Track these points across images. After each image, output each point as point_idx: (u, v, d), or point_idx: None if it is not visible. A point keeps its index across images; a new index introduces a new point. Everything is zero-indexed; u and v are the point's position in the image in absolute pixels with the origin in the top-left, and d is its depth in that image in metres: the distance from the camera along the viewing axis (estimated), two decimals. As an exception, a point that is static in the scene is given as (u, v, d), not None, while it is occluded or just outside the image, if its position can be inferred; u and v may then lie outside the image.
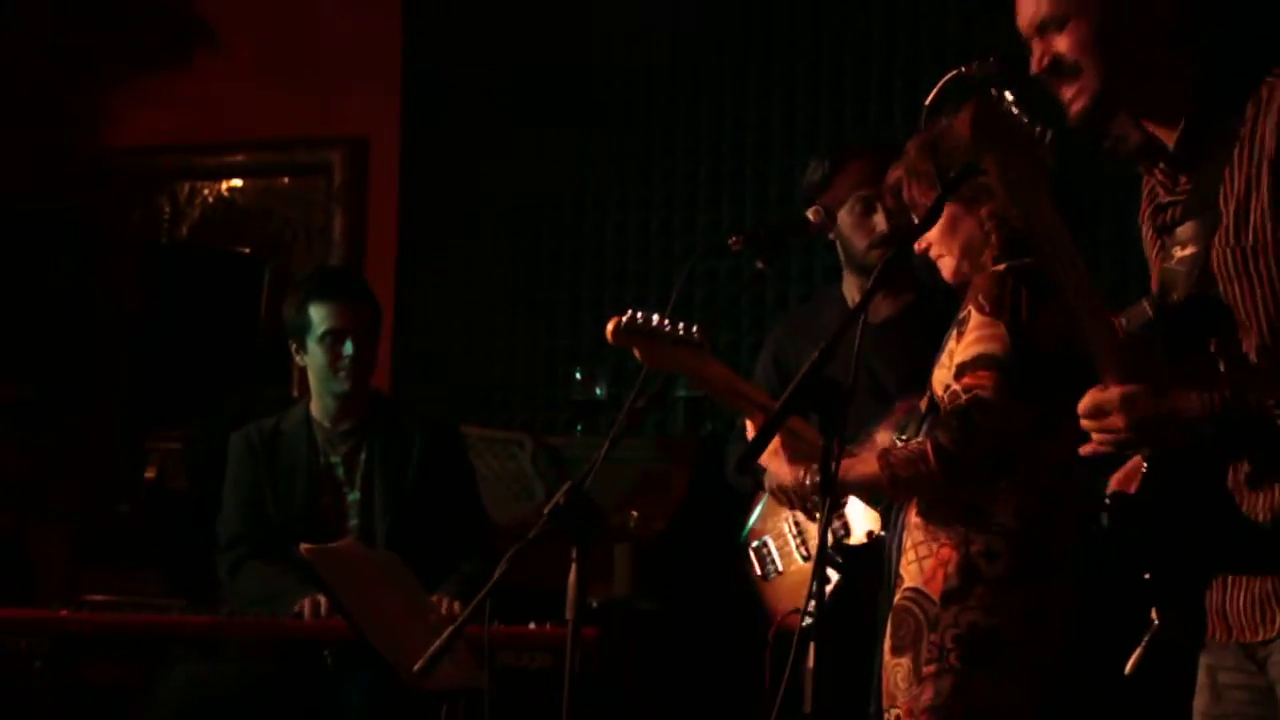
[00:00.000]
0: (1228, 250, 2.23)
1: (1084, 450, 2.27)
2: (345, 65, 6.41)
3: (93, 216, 6.48)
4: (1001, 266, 3.08)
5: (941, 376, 3.07)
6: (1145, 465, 2.26)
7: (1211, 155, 2.28)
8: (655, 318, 3.28)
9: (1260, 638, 2.27)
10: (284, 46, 6.50)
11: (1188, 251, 2.29)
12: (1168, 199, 2.39)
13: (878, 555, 3.30)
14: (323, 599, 4.15)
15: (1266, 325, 2.22)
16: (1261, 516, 2.25)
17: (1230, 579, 2.30)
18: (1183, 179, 2.35)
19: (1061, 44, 2.31)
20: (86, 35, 6.58)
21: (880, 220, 4.00)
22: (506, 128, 6.20)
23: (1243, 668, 2.34)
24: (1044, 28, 2.33)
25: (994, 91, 2.20)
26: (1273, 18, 2.32)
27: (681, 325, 3.31)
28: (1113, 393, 2.19)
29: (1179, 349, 2.23)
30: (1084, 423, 2.23)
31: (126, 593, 4.69)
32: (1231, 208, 2.22)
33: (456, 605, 4.13)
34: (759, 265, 3.47)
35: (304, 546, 3.81)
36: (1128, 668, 2.32)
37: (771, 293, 5.82)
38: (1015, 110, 2.14)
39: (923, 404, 3.16)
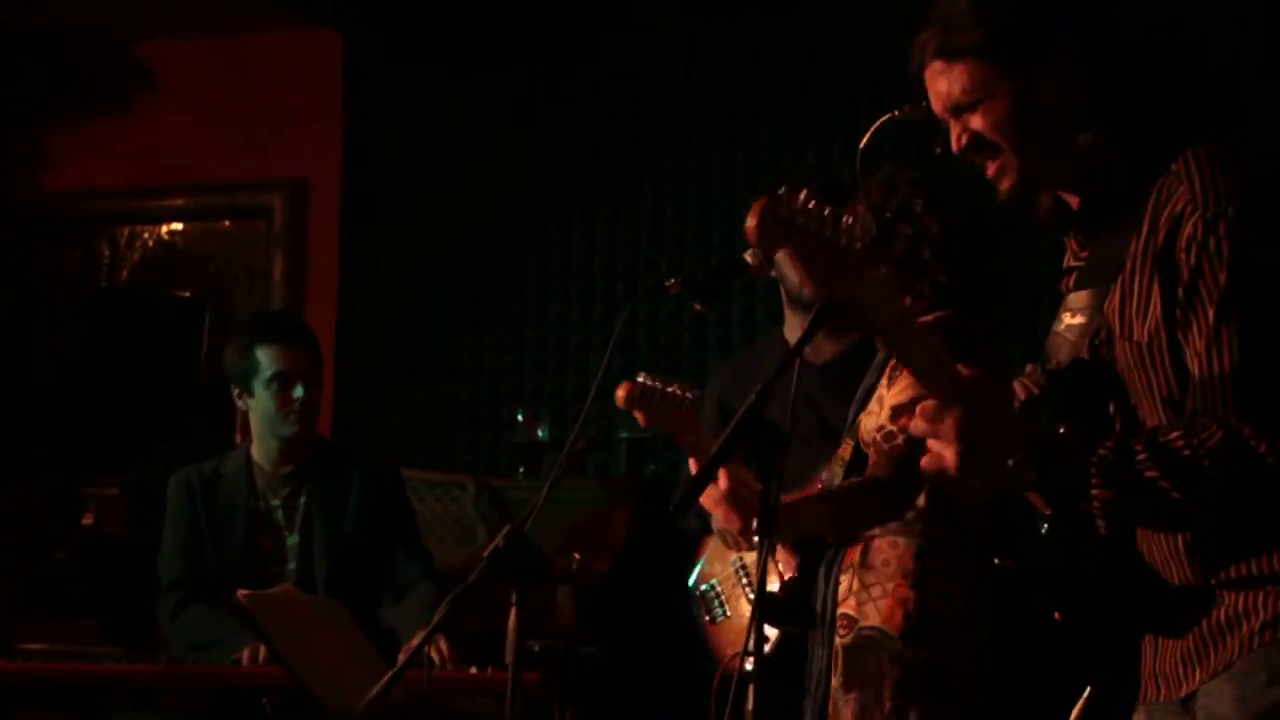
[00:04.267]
0: (1124, 343, 2.26)
1: (922, 463, 2.24)
2: (285, 108, 6.42)
3: (30, 261, 6.45)
4: (929, 318, 3.13)
5: (870, 422, 3.11)
6: (1044, 527, 2.26)
7: (1111, 230, 2.31)
8: (658, 382, 3.29)
9: (1184, 692, 2.29)
10: (224, 89, 6.50)
11: (1076, 320, 2.32)
12: (1072, 264, 2.43)
13: (803, 600, 3.32)
14: (262, 647, 4.12)
15: (1163, 412, 2.24)
16: (1177, 580, 2.27)
17: (1159, 641, 2.32)
18: (1085, 250, 2.39)
19: (976, 123, 2.34)
20: (24, 80, 6.56)
21: None
22: (446, 170, 6.21)
23: (1175, 714, 2.36)
24: (958, 109, 2.35)
25: (783, 188, 2.21)
26: (1183, 100, 2.35)
27: (677, 386, 3.34)
28: (954, 407, 2.14)
29: (1068, 411, 2.23)
30: (917, 425, 2.17)
31: (64, 641, 4.64)
32: (1127, 300, 2.25)
33: (443, 642, 4.09)
34: (697, 308, 3.47)
35: (241, 593, 3.78)
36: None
37: (713, 335, 5.83)
38: (810, 204, 2.14)
39: (845, 451, 3.19)
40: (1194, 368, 2.18)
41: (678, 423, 3.34)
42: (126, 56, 6.60)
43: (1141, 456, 2.13)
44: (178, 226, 6.65)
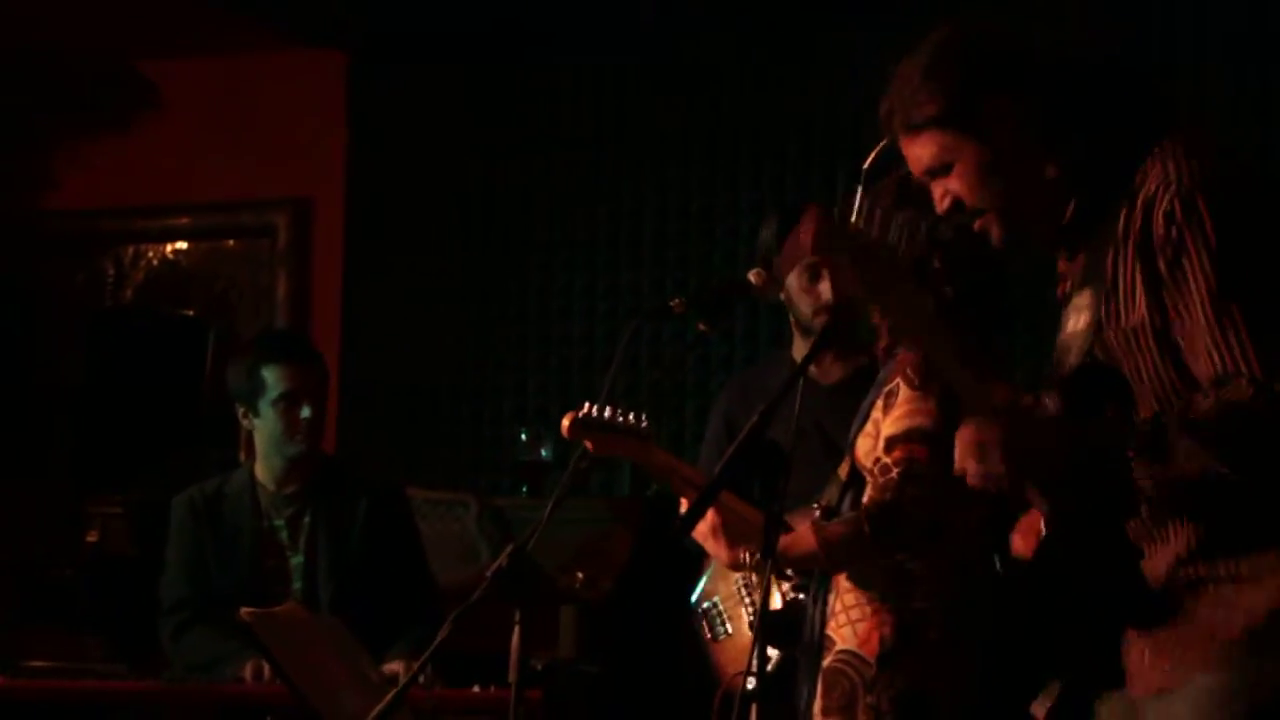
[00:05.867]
0: (1116, 332, 2.31)
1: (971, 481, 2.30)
2: (289, 127, 6.43)
3: (34, 281, 6.46)
4: None
5: (867, 446, 3.12)
6: (1044, 526, 2.31)
7: (1100, 231, 2.37)
8: (607, 411, 3.35)
9: (1140, 693, 2.33)
10: (227, 108, 6.51)
11: (1081, 322, 2.37)
12: (1065, 270, 2.48)
13: (796, 620, 3.33)
14: (266, 664, 4.12)
15: (1155, 400, 2.28)
16: (1150, 578, 2.30)
17: (1132, 636, 2.35)
18: (1079, 255, 2.44)
19: (954, 185, 2.43)
20: (28, 98, 6.57)
21: (826, 288, 4.02)
22: (450, 189, 6.23)
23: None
24: (933, 174, 2.46)
25: (841, 203, 2.31)
26: (1148, 101, 2.42)
27: (631, 415, 3.39)
28: (992, 428, 2.24)
29: (1075, 414, 2.27)
30: (962, 461, 2.28)
31: (67, 658, 4.64)
32: (1117, 289, 2.31)
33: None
34: (701, 328, 3.49)
35: (244, 611, 3.78)
36: (1037, 711, 2.37)
37: (716, 355, 5.84)
38: (863, 215, 2.24)
39: (843, 471, 3.20)
40: (1199, 329, 2.22)
41: (634, 451, 3.38)
42: (130, 75, 6.62)
43: (1176, 432, 2.17)
44: (182, 246, 6.66)
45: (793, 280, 4.07)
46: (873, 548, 3.04)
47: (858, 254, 2.27)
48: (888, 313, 2.26)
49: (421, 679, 4.02)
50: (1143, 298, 2.27)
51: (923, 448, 3.03)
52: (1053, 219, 2.43)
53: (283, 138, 6.43)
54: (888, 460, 3.05)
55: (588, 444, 3.34)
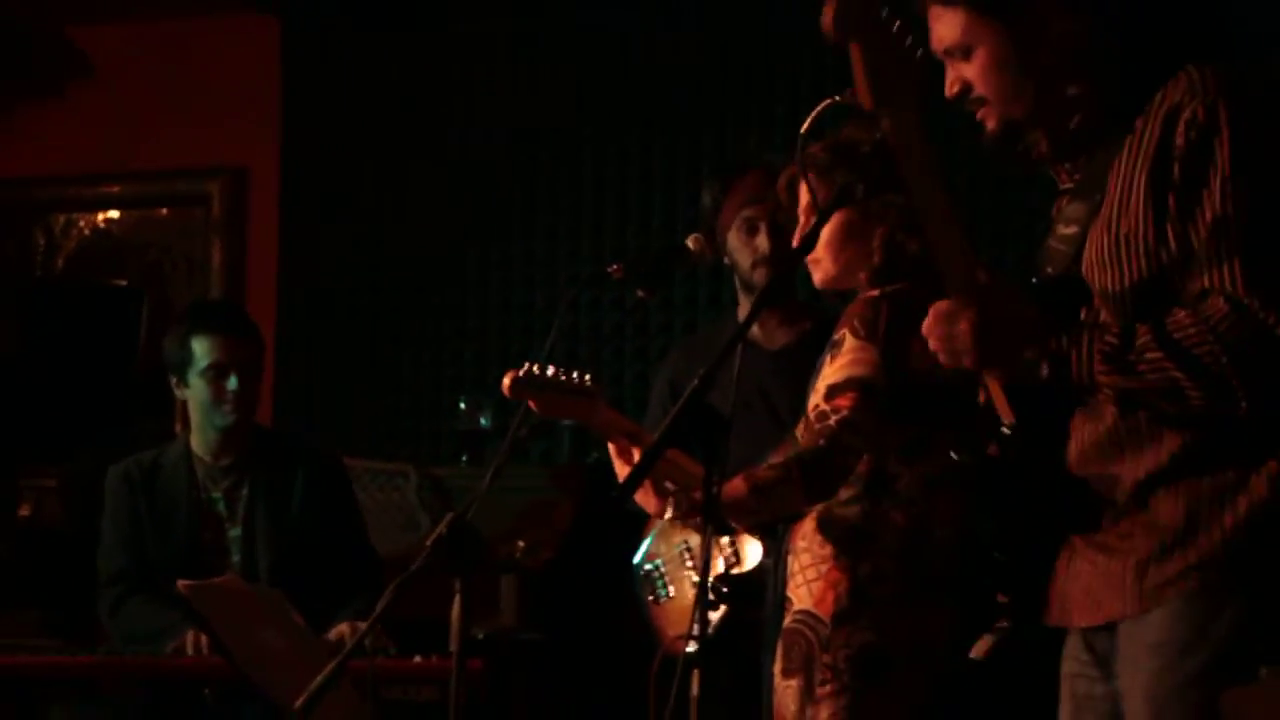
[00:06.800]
0: (1104, 236, 2.29)
1: (941, 359, 2.30)
2: (224, 94, 6.37)
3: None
4: (875, 291, 3.12)
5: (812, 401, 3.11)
6: (1002, 433, 2.30)
7: (1106, 144, 2.34)
8: (550, 369, 3.29)
9: (1088, 623, 2.34)
10: (160, 75, 6.44)
11: (1070, 230, 2.36)
12: (1065, 185, 2.46)
13: (761, 584, 3.32)
14: (204, 636, 4.10)
15: (1129, 315, 2.27)
16: (1111, 496, 2.30)
17: (1071, 564, 2.35)
18: (1080, 163, 2.42)
19: (968, 71, 2.38)
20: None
21: (763, 241, 4.01)
22: (386, 156, 6.19)
23: (1089, 671, 2.39)
24: (950, 54, 2.40)
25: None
26: (1178, 20, 2.39)
27: (575, 374, 3.33)
28: (966, 300, 2.24)
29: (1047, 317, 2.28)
30: (927, 328, 2.27)
31: (2, 634, 4.59)
32: (1115, 196, 2.29)
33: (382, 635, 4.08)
34: (640, 294, 3.47)
35: (181, 583, 3.75)
36: (976, 651, 2.36)
37: (655, 321, 5.84)
38: (888, 13, 2.18)
39: (800, 430, 3.19)
40: (1196, 242, 2.21)
41: (580, 411, 3.34)
42: (60, 41, 6.53)
43: (1145, 339, 2.18)
44: (114, 215, 6.59)
45: (732, 237, 4.07)
46: (803, 496, 3.04)
47: (876, 44, 2.19)
48: (894, 125, 2.20)
49: (367, 643, 4.01)
50: (1140, 206, 2.25)
51: (859, 395, 3.02)
52: (1056, 134, 2.39)
53: (217, 105, 6.36)
54: (826, 408, 3.05)
55: (531, 403, 3.30)
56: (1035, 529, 2.34)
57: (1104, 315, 2.31)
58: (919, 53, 2.25)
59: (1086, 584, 2.34)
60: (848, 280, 3.19)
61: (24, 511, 5.48)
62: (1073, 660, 2.44)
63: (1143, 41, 2.35)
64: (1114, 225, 2.28)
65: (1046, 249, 2.40)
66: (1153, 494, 2.28)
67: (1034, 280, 2.36)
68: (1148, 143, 2.26)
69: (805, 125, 2.83)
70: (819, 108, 2.83)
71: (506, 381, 3.29)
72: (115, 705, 4.17)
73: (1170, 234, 2.23)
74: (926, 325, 2.28)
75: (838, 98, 2.82)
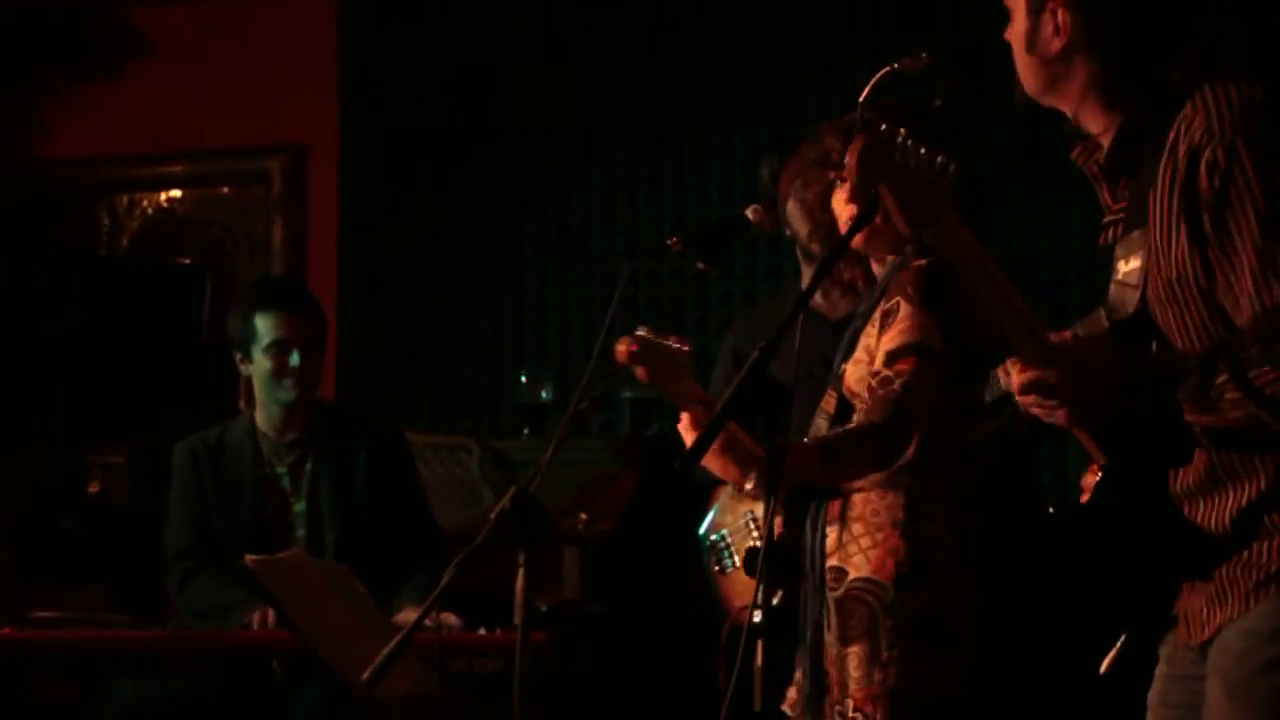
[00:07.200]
0: (1156, 279, 2.30)
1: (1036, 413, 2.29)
2: (282, 72, 6.39)
3: (28, 230, 6.44)
4: (924, 261, 3.12)
5: (858, 373, 3.12)
6: (1100, 474, 2.30)
7: (1140, 175, 2.35)
8: (656, 337, 3.27)
9: (1205, 636, 2.33)
10: (220, 55, 6.47)
11: (1133, 265, 2.35)
12: (1109, 217, 2.45)
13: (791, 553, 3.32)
14: (271, 611, 4.13)
15: (1197, 346, 2.27)
16: (1213, 527, 2.30)
17: (1186, 586, 2.35)
18: (1121, 187, 2.42)
19: (1010, 35, 2.42)
20: (19, 47, 6.53)
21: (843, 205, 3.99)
22: (446, 130, 6.19)
23: (1192, 665, 2.39)
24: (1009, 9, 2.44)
25: (884, 128, 2.24)
26: (1219, 28, 2.38)
27: (672, 339, 3.30)
28: (1052, 368, 2.23)
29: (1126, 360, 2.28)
30: (1023, 399, 2.27)
31: (72, 609, 4.63)
32: (1155, 238, 2.29)
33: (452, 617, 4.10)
34: (700, 266, 3.46)
35: (248, 558, 3.78)
36: (1103, 668, 2.36)
37: (715, 293, 5.83)
38: (909, 143, 2.17)
39: (828, 404, 3.20)
40: (1247, 291, 2.20)
41: (673, 376, 3.33)
42: (121, 22, 6.57)
43: (1224, 379, 2.17)
44: (176, 193, 6.64)
45: (792, 207, 4.05)
46: (877, 460, 3.07)
47: (903, 183, 2.20)
48: (938, 242, 2.20)
49: (429, 622, 4.03)
50: (1183, 250, 2.25)
51: (921, 360, 3.06)
52: (1077, 115, 2.41)
53: (276, 83, 6.39)
54: (889, 373, 3.07)
55: (639, 371, 3.29)
56: (1150, 566, 2.35)
57: (1175, 345, 2.31)
58: (940, 161, 2.25)
59: (1200, 603, 2.34)
60: (896, 250, 3.20)
61: (93, 488, 5.53)
62: (1181, 664, 2.42)
63: (1146, 41, 2.35)
64: (1162, 269, 2.28)
65: (1115, 288, 2.39)
66: (1257, 520, 2.28)
67: (1109, 324, 2.37)
68: (1178, 182, 2.26)
69: (864, 94, 2.82)
70: (876, 76, 2.82)
71: (622, 348, 3.27)
72: (184, 680, 4.22)
73: (1219, 273, 2.24)
74: (1018, 392, 2.28)
75: (896, 65, 2.82)
